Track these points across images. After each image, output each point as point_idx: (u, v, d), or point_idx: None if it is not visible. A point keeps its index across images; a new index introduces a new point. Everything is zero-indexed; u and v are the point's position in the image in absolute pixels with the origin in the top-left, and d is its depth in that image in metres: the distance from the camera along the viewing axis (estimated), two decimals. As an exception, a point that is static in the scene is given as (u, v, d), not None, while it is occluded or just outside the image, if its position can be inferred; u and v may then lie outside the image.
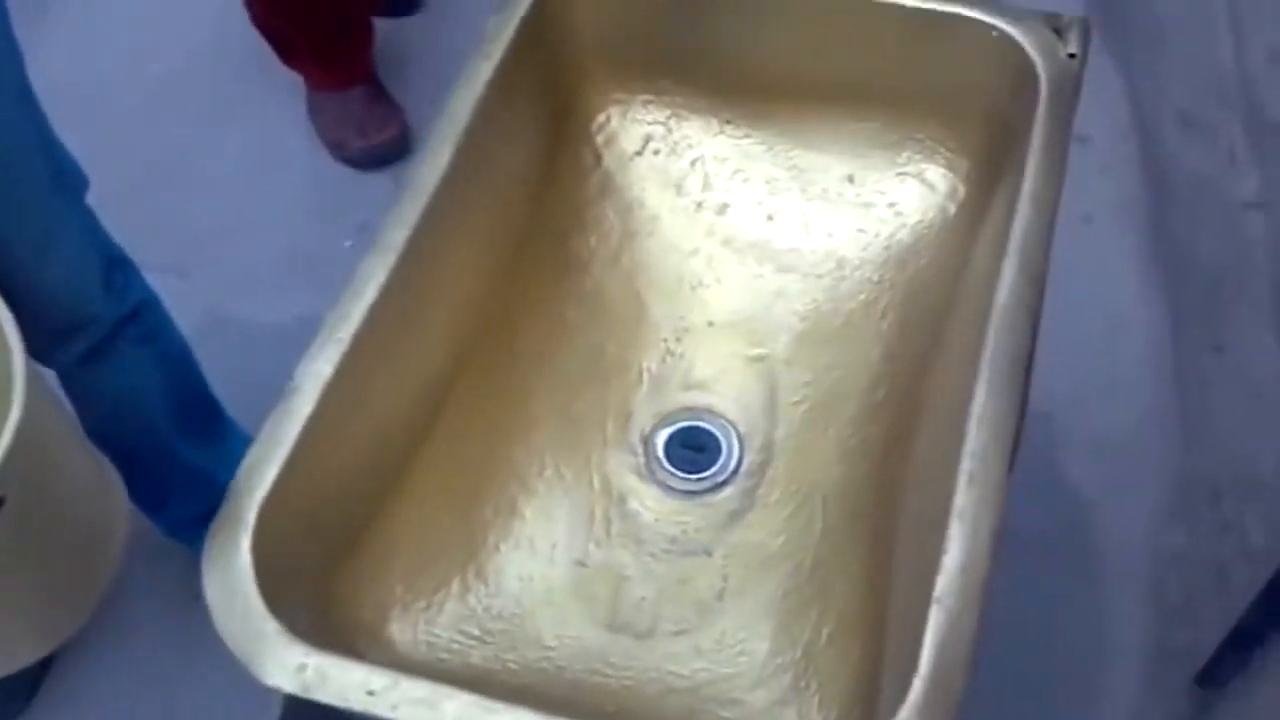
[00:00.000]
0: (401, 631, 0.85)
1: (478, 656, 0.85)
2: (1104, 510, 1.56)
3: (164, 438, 1.32)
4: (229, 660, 0.72)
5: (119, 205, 1.27)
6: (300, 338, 0.84)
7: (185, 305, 1.41)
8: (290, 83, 1.91)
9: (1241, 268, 1.47)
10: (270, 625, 0.72)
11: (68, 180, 1.13)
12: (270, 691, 0.88)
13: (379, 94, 1.90)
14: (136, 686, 1.50)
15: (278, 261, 1.78)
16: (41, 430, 0.78)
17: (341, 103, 1.87)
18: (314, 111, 1.90)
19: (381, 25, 1.94)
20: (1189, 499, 1.51)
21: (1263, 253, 1.42)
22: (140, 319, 1.25)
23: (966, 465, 0.77)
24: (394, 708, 0.69)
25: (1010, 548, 1.40)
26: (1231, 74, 1.54)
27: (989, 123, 1.01)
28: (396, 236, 0.88)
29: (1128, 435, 1.60)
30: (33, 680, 1.45)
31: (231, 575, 0.73)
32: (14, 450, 0.73)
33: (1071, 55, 0.97)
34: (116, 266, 1.22)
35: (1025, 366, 0.84)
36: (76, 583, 0.88)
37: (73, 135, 1.18)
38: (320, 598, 0.81)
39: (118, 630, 1.48)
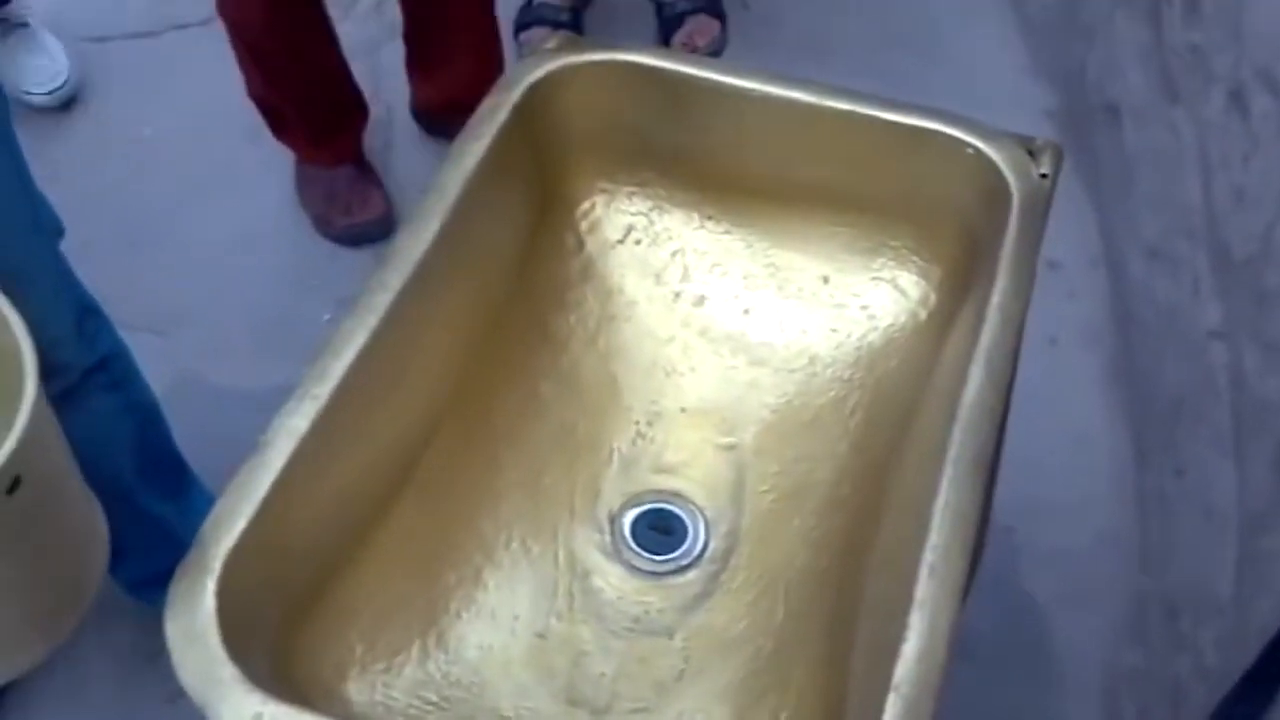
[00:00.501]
0: (359, 691, 0.85)
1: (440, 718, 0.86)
2: (1062, 624, 1.58)
3: (127, 488, 1.32)
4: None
5: (103, 262, 1.29)
6: (272, 405, 0.85)
7: (160, 365, 1.42)
8: (280, 155, 1.94)
9: (1204, 395, 1.50)
10: (229, 671, 0.72)
11: (44, 224, 1.15)
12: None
13: (366, 173, 1.93)
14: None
15: (255, 329, 1.80)
16: (46, 430, 0.79)
17: (329, 179, 1.90)
18: (301, 186, 1.93)
19: (375, 109, 1.98)
20: (1146, 617, 1.53)
21: (1225, 381, 1.46)
22: (109, 368, 1.26)
23: (928, 558, 0.79)
24: (348, 762, 0.70)
25: (968, 655, 1.42)
26: (1199, 210, 1.59)
27: (962, 235, 1.05)
28: (379, 301, 0.90)
29: (1088, 552, 1.62)
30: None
31: (194, 620, 0.73)
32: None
33: (1044, 175, 1.01)
34: (88, 314, 1.23)
35: (988, 467, 0.85)
36: (64, 596, 0.88)
37: (63, 190, 1.20)
38: (280, 650, 0.81)
39: (70, 689, 1.47)
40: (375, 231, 1.87)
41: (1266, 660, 1.12)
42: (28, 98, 2.04)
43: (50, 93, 2.06)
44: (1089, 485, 1.70)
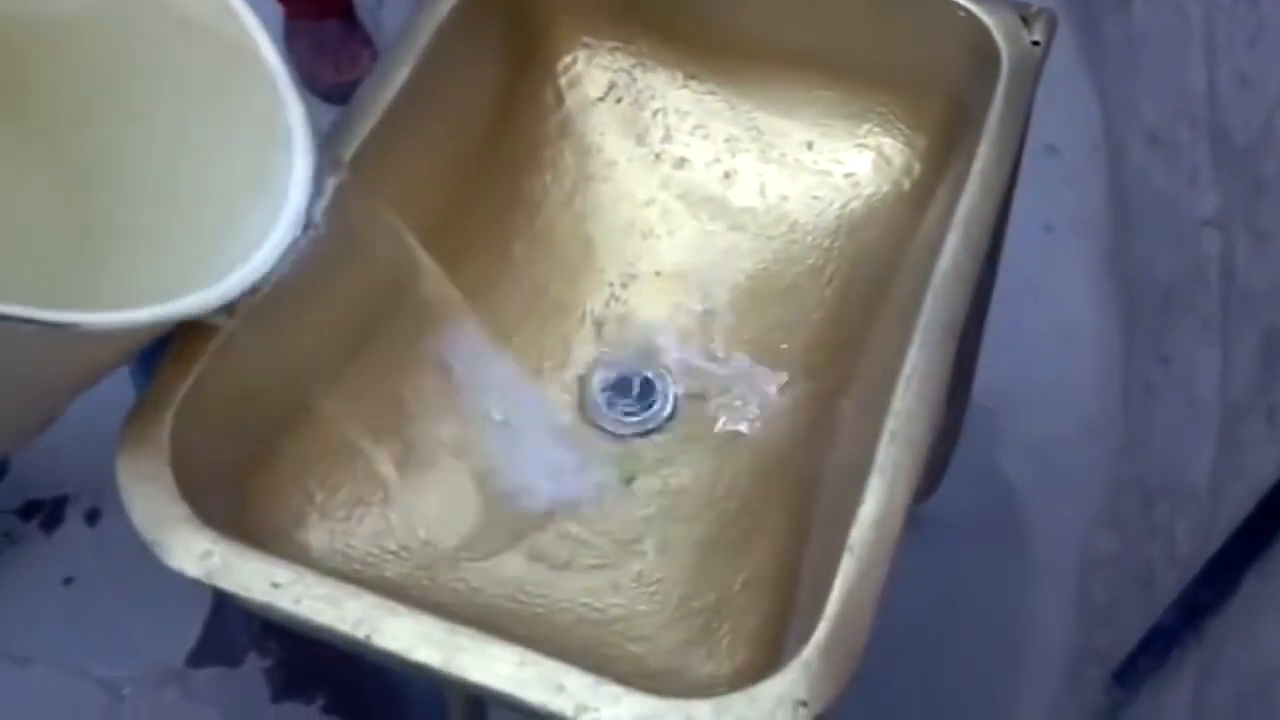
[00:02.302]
0: (317, 538, 0.85)
1: (392, 571, 0.85)
2: (1039, 507, 1.58)
3: None
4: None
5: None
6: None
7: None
8: (270, 8, 1.89)
9: (1194, 283, 1.49)
10: (180, 509, 0.71)
11: None
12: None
13: (355, 29, 1.89)
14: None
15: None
16: None
17: (317, 32, 1.86)
18: (289, 39, 1.89)
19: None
20: (1122, 503, 1.53)
21: (1216, 270, 1.44)
22: None
23: (891, 423, 0.78)
24: (297, 601, 0.69)
25: (942, 535, 1.43)
26: (1202, 96, 1.56)
27: (949, 102, 1.02)
28: (344, 150, 0.88)
29: (1069, 437, 1.62)
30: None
31: (147, 456, 0.73)
32: None
33: (1035, 43, 0.98)
34: None
35: (958, 335, 0.84)
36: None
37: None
38: (237, 493, 0.80)
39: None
40: (363, 91, 1.83)
41: (1232, 547, 1.12)
42: None
43: None
44: (1076, 372, 1.69)
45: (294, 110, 0.78)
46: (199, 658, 1.48)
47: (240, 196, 0.79)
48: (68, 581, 1.52)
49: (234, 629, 1.49)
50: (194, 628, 1.49)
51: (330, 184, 0.79)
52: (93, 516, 1.55)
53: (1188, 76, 1.59)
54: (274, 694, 1.46)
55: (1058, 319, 1.73)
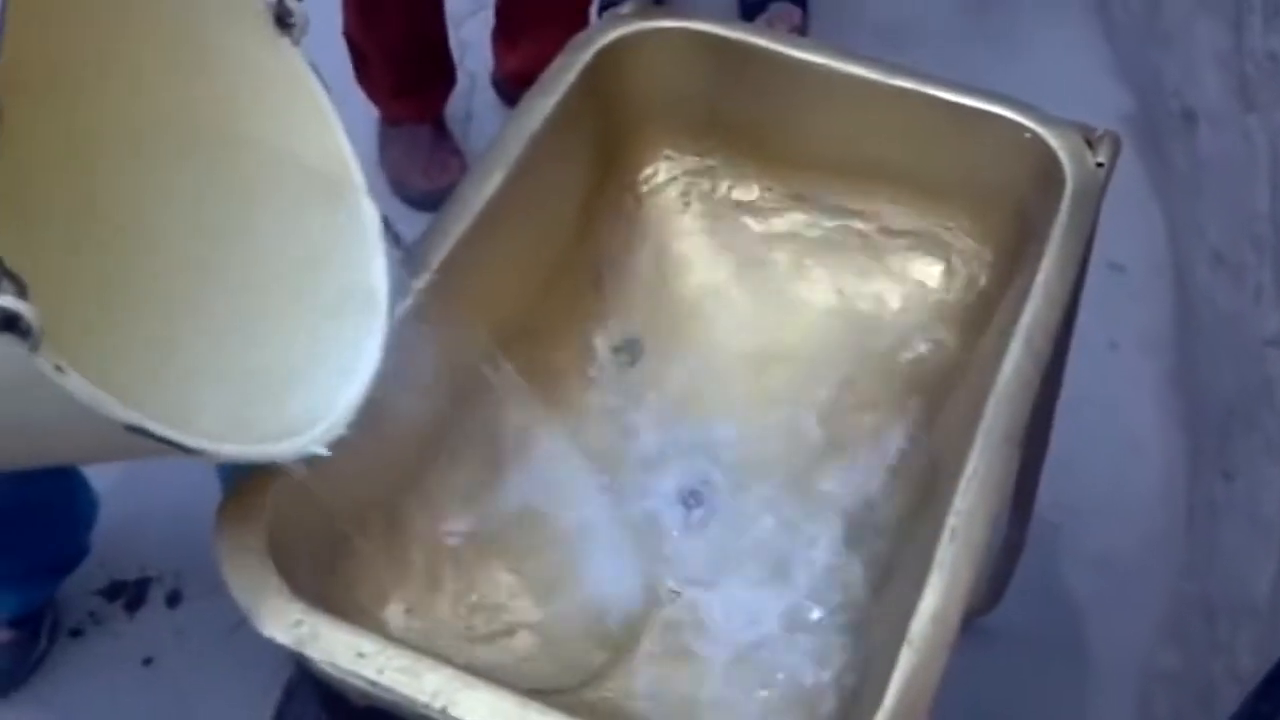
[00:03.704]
0: (398, 619, 0.88)
1: (470, 654, 0.89)
2: (1102, 622, 1.58)
3: None
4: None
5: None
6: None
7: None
8: (365, 114, 1.97)
9: (1258, 402, 1.50)
10: (275, 580, 0.76)
11: None
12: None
13: (445, 137, 1.97)
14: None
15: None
16: None
17: (409, 137, 1.93)
18: (383, 145, 1.96)
19: (459, 78, 2.02)
20: (1185, 618, 1.53)
21: (1280, 389, 1.45)
22: None
23: (952, 521, 0.81)
24: (379, 671, 0.73)
25: (1005, 647, 1.43)
26: (1266, 218, 1.58)
27: (1015, 219, 1.06)
28: (438, 250, 0.93)
29: (1131, 552, 1.62)
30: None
31: (245, 528, 0.77)
32: None
33: (1100, 164, 1.02)
34: None
35: (1019, 441, 0.87)
36: None
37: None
38: (326, 570, 0.84)
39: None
40: (450, 197, 1.90)
41: (1293, 660, 1.12)
42: None
43: None
44: (1139, 489, 1.69)
45: (380, 279, 0.83)
46: (269, 743, 1.50)
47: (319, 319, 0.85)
48: (147, 662, 1.55)
49: (305, 716, 1.52)
50: (265, 714, 1.52)
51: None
52: (174, 599, 1.60)
53: (1253, 199, 1.62)
54: (340, 780, 1.48)
55: (1122, 435, 1.74)
